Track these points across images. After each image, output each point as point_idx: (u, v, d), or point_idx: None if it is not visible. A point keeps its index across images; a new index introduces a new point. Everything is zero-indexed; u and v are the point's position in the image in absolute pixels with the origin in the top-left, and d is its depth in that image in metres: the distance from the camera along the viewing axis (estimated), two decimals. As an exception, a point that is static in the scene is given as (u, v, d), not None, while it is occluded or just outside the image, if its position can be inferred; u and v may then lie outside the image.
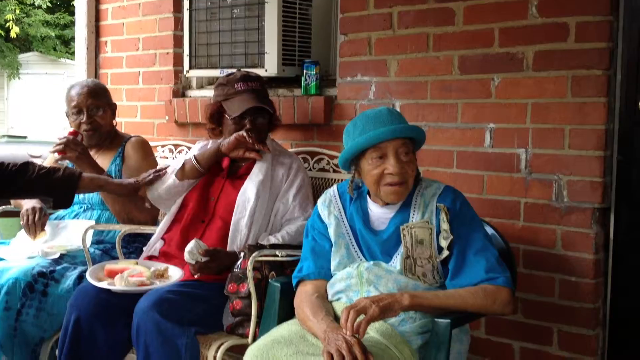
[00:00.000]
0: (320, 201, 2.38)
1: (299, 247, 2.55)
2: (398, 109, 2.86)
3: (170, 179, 2.83)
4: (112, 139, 3.21)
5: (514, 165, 2.64)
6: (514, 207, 2.65)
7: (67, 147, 2.92)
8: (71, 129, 3.05)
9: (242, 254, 2.52)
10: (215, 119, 2.86)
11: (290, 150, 3.12)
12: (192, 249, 2.50)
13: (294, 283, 2.32)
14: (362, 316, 1.93)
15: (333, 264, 2.26)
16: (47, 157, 3.32)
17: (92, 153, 3.05)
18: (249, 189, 2.72)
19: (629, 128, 2.46)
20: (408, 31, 2.87)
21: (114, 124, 3.26)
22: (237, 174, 2.83)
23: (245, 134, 2.72)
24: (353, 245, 2.26)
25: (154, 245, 2.85)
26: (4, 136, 9.99)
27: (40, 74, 17.52)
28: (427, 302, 2.05)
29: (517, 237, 2.63)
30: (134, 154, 3.15)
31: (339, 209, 2.32)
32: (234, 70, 2.98)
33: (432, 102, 2.83)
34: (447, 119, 2.80)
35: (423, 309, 2.07)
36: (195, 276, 2.55)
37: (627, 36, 2.43)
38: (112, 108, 3.23)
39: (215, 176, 2.85)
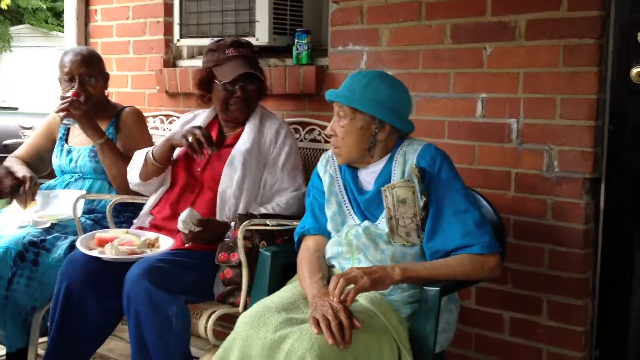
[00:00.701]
0: (319, 162, 2.41)
1: (289, 217, 2.57)
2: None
3: (136, 179, 2.80)
4: (104, 109, 3.18)
5: (505, 135, 2.63)
6: (505, 178, 2.65)
7: (71, 105, 2.90)
8: (73, 90, 3.02)
9: (233, 224, 2.52)
10: (205, 85, 2.82)
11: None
12: (185, 219, 2.50)
13: (295, 239, 2.37)
14: (352, 285, 1.94)
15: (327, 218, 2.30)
16: (36, 129, 3.30)
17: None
18: (236, 159, 2.69)
19: (621, 98, 2.44)
20: (400, -1, 2.85)
21: (107, 93, 3.24)
22: (224, 144, 2.81)
23: (188, 147, 2.61)
24: (345, 203, 2.28)
25: (144, 219, 2.84)
26: (-5, 107, 9.93)
27: (32, 46, 17.37)
28: (418, 275, 2.05)
29: (508, 208, 2.63)
30: (131, 123, 3.14)
31: (335, 169, 2.34)
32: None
33: (424, 71, 2.81)
34: (438, 88, 2.78)
35: (413, 282, 2.07)
36: (186, 245, 2.56)
37: (619, 4, 2.41)
38: (105, 77, 3.20)
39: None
